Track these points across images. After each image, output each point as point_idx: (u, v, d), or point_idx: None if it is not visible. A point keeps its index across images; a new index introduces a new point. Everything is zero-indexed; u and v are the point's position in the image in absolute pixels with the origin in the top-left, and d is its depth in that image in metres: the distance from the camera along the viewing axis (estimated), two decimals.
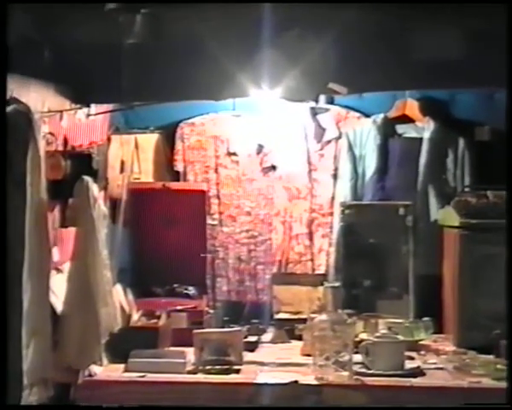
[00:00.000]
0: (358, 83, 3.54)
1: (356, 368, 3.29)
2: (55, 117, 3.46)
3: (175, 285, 4.27)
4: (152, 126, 4.45)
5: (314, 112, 4.44)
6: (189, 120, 4.50)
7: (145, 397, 3.21)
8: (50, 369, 2.96)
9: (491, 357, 3.51)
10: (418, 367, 3.40)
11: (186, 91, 3.58)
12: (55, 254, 3.34)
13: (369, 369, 3.31)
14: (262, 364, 3.50)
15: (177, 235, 4.33)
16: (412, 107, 4.36)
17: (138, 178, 4.37)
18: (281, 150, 4.45)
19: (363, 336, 3.59)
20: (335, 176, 4.43)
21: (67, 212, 3.34)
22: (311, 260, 4.45)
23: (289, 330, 3.96)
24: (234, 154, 4.49)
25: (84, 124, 3.83)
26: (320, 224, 4.45)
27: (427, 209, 4.29)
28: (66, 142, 3.56)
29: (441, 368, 3.45)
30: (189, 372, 3.36)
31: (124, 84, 3.33)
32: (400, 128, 4.39)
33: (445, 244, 4.03)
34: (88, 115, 3.85)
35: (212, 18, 3.31)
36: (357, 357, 3.34)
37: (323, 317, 3.33)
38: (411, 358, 3.53)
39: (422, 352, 3.69)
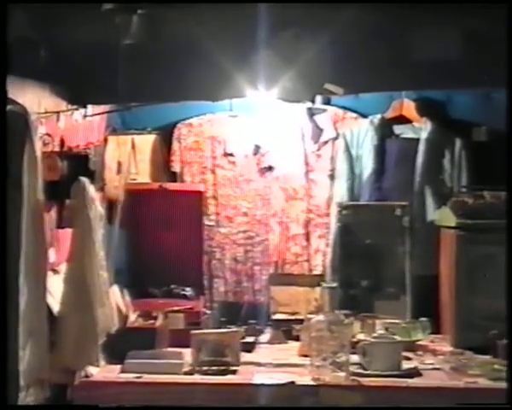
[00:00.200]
0: (355, 83, 3.55)
1: (353, 369, 3.29)
2: (52, 118, 3.46)
3: (172, 286, 4.26)
4: (149, 127, 4.44)
5: (311, 112, 4.43)
6: (186, 121, 4.49)
7: (142, 398, 3.21)
8: (47, 370, 2.96)
9: (488, 357, 3.51)
10: (415, 368, 3.40)
11: (183, 92, 3.58)
12: (52, 254, 3.34)
13: (365, 369, 3.31)
14: (259, 364, 3.49)
15: (174, 236, 4.32)
16: (409, 107, 4.36)
17: (135, 179, 4.36)
18: (278, 151, 4.44)
19: (361, 336, 3.59)
20: (332, 176, 4.42)
21: (64, 213, 3.33)
22: (308, 260, 4.45)
23: (286, 330, 3.96)
24: (231, 154, 4.48)
25: (80, 125, 3.83)
26: (317, 224, 4.44)
27: (423, 210, 4.29)
28: (62, 143, 3.55)
29: (438, 368, 3.45)
30: (186, 373, 3.35)
31: (120, 84, 3.33)
32: (397, 129, 4.39)
33: (441, 245, 4.03)
34: (85, 116, 3.85)
35: (209, 19, 3.32)
36: (355, 358, 3.34)
37: (320, 317, 3.32)
38: (408, 358, 3.53)
39: (419, 352, 3.69)
